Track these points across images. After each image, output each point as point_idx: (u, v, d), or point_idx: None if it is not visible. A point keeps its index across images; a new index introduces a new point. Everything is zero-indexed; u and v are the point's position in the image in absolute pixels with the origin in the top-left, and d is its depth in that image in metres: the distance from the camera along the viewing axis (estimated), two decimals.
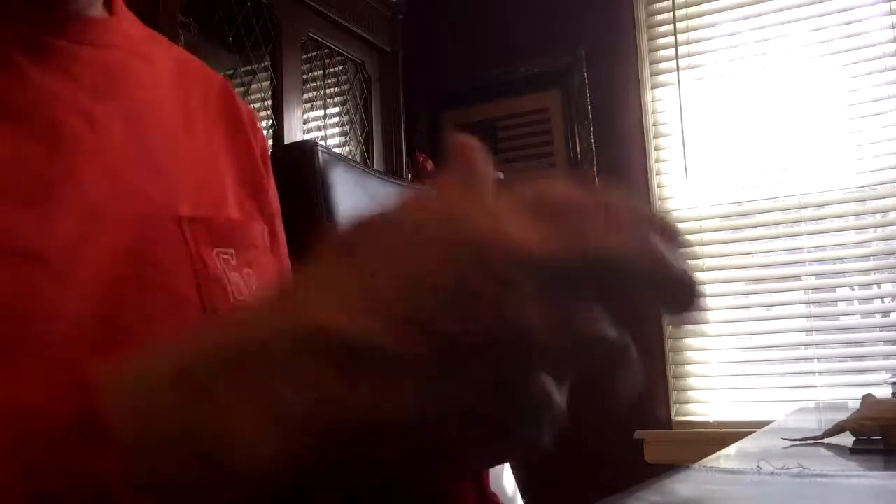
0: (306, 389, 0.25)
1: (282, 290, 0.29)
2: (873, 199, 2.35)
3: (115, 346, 0.27)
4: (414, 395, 0.25)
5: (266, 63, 2.14)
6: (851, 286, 2.41)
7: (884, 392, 1.15)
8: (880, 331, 2.34)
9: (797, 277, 2.43)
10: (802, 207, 2.41)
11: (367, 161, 2.43)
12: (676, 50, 2.55)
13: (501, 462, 0.26)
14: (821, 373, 2.34)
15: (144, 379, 0.27)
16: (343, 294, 0.26)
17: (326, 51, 2.37)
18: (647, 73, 2.62)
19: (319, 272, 0.28)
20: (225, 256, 0.54)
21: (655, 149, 2.59)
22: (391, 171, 2.48)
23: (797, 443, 0.92)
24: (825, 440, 0.91)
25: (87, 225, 0.46)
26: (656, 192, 2.56)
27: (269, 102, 2.14)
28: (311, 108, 2.38)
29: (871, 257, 2.35)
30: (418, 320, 0.25)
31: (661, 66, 2.61)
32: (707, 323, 2.49)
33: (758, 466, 0.72)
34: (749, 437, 1.05)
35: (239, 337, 0.27)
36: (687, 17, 2.58)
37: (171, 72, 0.60)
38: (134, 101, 0.53)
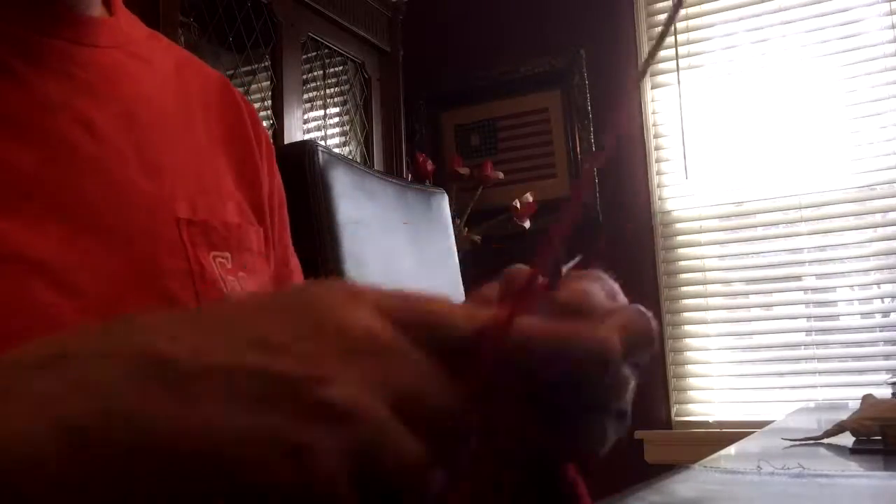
0: (99, 398, 0.23)
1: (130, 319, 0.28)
2: (873, 199, 2.35)
3: None
4: (223, 420, 0.23)
5: (266, 63, 2.14)
6: (851, 286, 2.41)
7: (884, 392, 1.15)
8: (880, 331, 2.34)
9: (797, 277, 2.43)
10: (802, 207, 2.41)
11: (367, 161, 2.43)
12: (676, 50, 2.55)
13: None
14: (821, 373, 2.34)
15: None
16: (187, 323, 0.26)
17: (326, 51, 2.37)
18: (647, 72, 2.61)
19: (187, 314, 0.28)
20: (221, 260, 0.53)
21: (655, 149, 2.59)
22: (391, 171, 2.48)
23: (797, 443, 0.92)
24: (825, 440, 0.91)
25: (82, 229, 0.46)
26: (656, 192, 2.56)
27: (269, 102, 2.14)
28: (311, 108, 2.38)
29: (871, 257, 2.35)
30: (239, 349, 0.24)
31: (661, 66, 2.61)
32: (706, 322, 2.49)
33: (758, 466, 0.72)
34: (749, 437, 1.05)
35: (62, 344, 0.26)
36: (687, 17, 2.58)
37: (170, 72, 0.59)
38: (132, 102, 0.53)
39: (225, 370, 0.24)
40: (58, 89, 0.49)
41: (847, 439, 0.89)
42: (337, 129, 2.50)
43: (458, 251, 1.54)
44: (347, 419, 0.24)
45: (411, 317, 0.27)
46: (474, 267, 2.02)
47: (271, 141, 0.67)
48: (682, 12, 2.58)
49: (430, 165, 2.47)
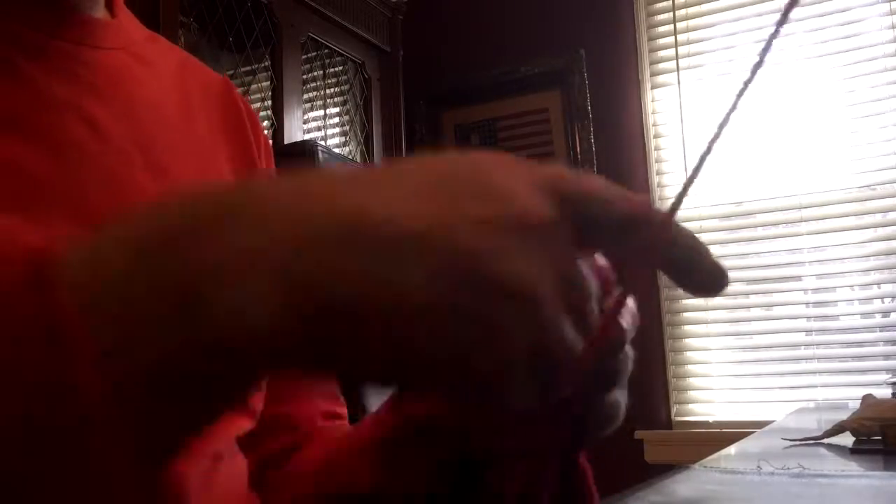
0: (313, 254, 0.24)
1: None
2: (873, 199, 2.35)
3: None
4: (425, 280, 0.24)
5: (266, 63, 2.14)
6: (851, 286, 2.41)
7: (884, 392, 1.15)
8: (880, 331, 2.34)
9: (797, 277, 2.43)
10: (802, 207, 2.41)
11: (367, 161, 2.43)
12: (676, 50, 2.56)
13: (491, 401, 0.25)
14: (821, 373, 2.34)
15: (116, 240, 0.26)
16: (369, 185, 0.26)
17: (326, 51, 2.37)
18: (647, 73, 2.62)
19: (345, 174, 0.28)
20: None
21: (655, 149, 2.59)
22: None
23: (797, 443, 0.92)
24: (825, 440, 0.91)
25: (88, 228, 0.46)
26: (656, 192, 2.56)
27: (269, 102, 2.14)
28: (311, 108, 2.38)
29: (871, 257, 2.35)
30: (446, 214, 0.25)
31: (661, 66, 2.61)
32: (706, 322, 2.49)
33: (758, 466, 0.72)
34: (749, 437, 1.05)
35: (246, 191, 0.26)
36: (687, 17, 2.58)
37: (171, 73, 0.60)
38: (135, 103, 0.53)
39: (419, 238, 0.24)
40: (63, 89, 0.49)
41: (847, 439, 0.89)
42: (337, 129, 2.50)
43: None
44: (529, 301, 0.25)
45: (569, 193, 0.28)
46: None
47: (270, 144, 0.67)
48: (682, 12, 2.59)
49: None
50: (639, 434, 2.43)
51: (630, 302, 0.34)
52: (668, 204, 0.33)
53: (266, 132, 2.27)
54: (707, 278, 0.33)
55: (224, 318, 0.23)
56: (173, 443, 0.25)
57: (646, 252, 0.32)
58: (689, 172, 0.32)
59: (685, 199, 0.32)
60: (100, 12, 0.55)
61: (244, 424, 0.55)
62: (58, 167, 0.46)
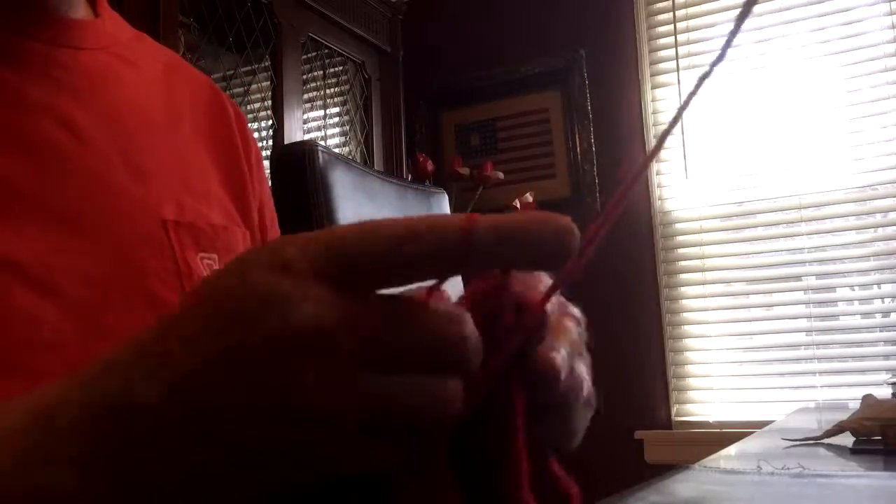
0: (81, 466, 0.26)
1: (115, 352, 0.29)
2: (873, 199, 2.35)
3: (98, 351, 0.27)
4: (172, 458, 0.26)
5: (266, 63, 2.14)
6: (851, 286, 2.41)
7: (884, 392, 1.15)
8: (880, 331, 2.34)
9: (797, 277, 2.43)
10: (802, 207, 2.41)
11: (367, 161, 2.43)
12: (676, 50, 2.56)
13: None
14: (821, 373, 2.34)
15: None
16: (141, 356, 0.27)
17: (326, 51, 2.37)
18: (647, 73, 2.62)
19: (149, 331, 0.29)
20: (208, 261, 0.53)
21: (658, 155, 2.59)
22: (391, 171, 2.48)
23: (797, 443, 0.92)
24: (825, 440, 0.91)
25: (65, 231, 0.45)
26: (656, 192, 2.56)
27: (269, 102, 2.14)
28: (311, 108, 2.38)
29: (871, 257, 2.35)
30: (201, 383, 0.26)
31: (661, 66, 2.61)
32: (706, 323, 2.49)
33: (758, 466, 0.72)
34: (749, 437, 1.05)
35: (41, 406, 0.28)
36: (687, 18, 2.58)
37: (157, 74, 0.59)
38: (117, 105, 0.53)
39: (192, 411, 0.26)
40: (39, 91, 0.48)
41: (847, 439, 0.89)
42: (337, 129, 2.50)
43: None
44: (332, 414, 0.25)
45: (345, 260, 0.26)
46: None
47: (258, 147, 0.66)
48: (682, 12, 2.59)
49: (430, 165, 2.47)
50: (639, 434, 2.43)
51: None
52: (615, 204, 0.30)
53: (266, 132, 2.24)
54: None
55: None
56: None
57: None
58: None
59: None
60: (80, 13, 0.54)
61: None
62: (34, 170, 0.46)
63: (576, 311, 0.37)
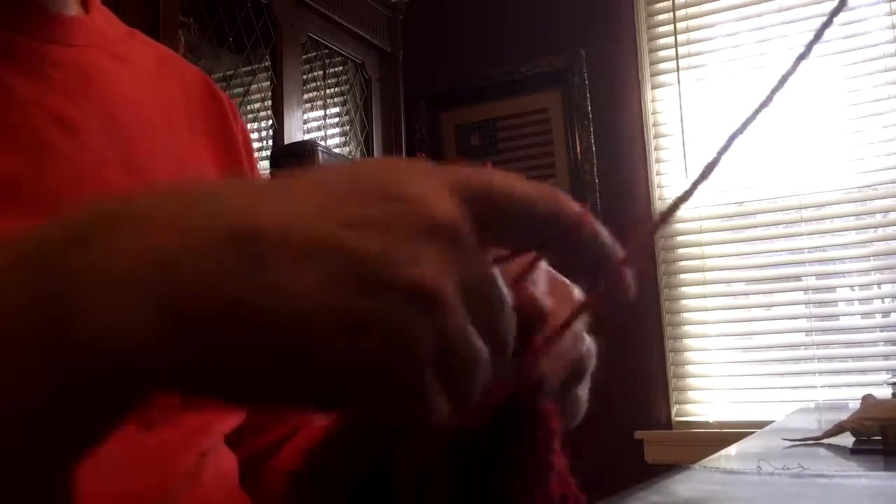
0: (190, 264, 0.23)
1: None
2: (873, 199, 2.35)
3: None
4: (313, 286, 0.23)
5: (266, 63, 2.14)
6: (851, 286, 2.41)
7: (884, 392, 1.15)
8: (880, 331, 2.34)
9: (797, 277, 2.43)
10: (802, 207, 2.41)
11: None
12: (676, 50, 2.55)
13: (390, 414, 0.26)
14: (821, 373, 2.34)
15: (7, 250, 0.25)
16: (262, 195, 0.25)
17: (326, 51, 2.37)
18: (647, 73, 2.62)
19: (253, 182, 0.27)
20: None
21: (655, 149, 2.59)
22: None
23: (797, 443, 0.92)
24: (825, 440, 0.91)
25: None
26: (656, 192, 2.56)
27: (269, 102, 2.14)
28: (311, 108, 2.38)
29: (871, 257, 2.35)
30: (329, 221, 0.24)
31: (661, 66, 2.61)
32: (706, 322, 2.49)
33: (758, 467, 0.72)
34: (749, 437, 1.05)
35: (122, 208, 0.25)
36: (687, 18, 2.58)
37: (149, 69, 0.58)
38: (110, 100, 0.52)
39: (311, 245, 0.24)
40: (31, 88, 0.48)
41: (847, 439, 0.89)
42: (337, 129, 2.50)
43: None
44: (430, 303, 0.24)
45: (482, 195, 0.27)
46: None
47: (250, 138, 0.66)
48: (682, 12, 2.59)
49: None
50: (639, 434, 2.43)
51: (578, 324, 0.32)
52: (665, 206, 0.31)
53: (266, 132, 2.24)
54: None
55: (90, 333, 0.22)
56: (70, 451, 0.24)
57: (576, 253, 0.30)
58: (697, 176, 0.31)
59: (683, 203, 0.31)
60: (72, 9, 0.54)
61: (231, 422, 0.54)
62: (27, 167, 0.45)
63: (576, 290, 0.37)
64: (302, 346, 0.23)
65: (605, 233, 0.31)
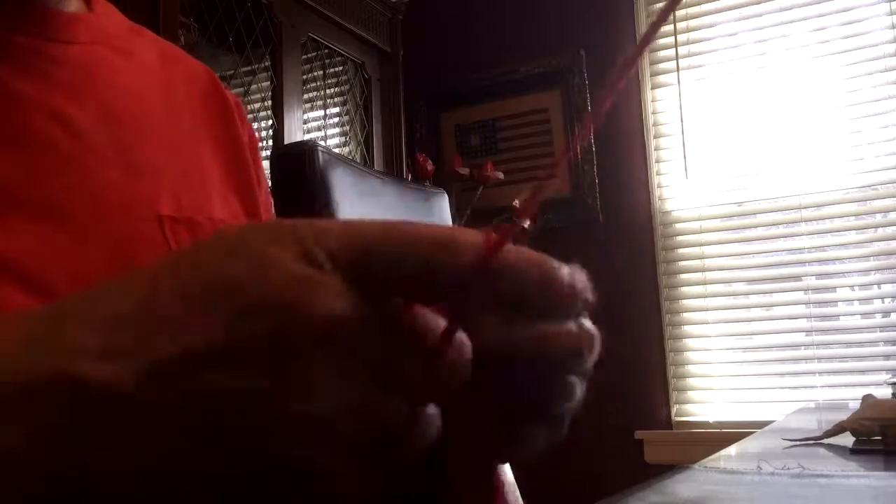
0: (39, 432, 0.23)
1: (55, 309, 0.27)
2: (873, 199, 2.35)
3: None
4: (154, 451, 0.23)
5: (266, 63, 2.14)
6: (851, 286, 2.41)
7: (884, 392, 1.15)
8: (880, 331, 2.34)
9: (797, 277, 2.43)
10: (802, 207, 2.41)
11: (367, 161, 2.43)
12: (676, 50, 2.55)
13: None
14: (821, 373, 2.34)
15: None
16: (109, 325, 0.24)
17: (326, 51, 2.37)
18: (647, 73, 2.62)
19: (108, 289, 0.26)
20: None
21: (655, 149, 2.59)
22: (391, 171, 2.48)
23: (797, 443, 0.92)
24: (825, 440, 0.91)
25: (59, 230, 0.45)
26: (656, 192, 2.56)
27: (269, 102, 2.14)
28: (311, 108, 2.38)
29: (871, 257, 2.35)
30: (175, 369, 0.23)
31: (661, 66, 2.61)
32: (705, 323, 2.49)
33: (758, 467, 0.72)
34: (749, 437, 1.05)
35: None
36: (687, 18, 2.58)
37: (153, 65, 0.58)
38: (112, 98, 0.52)
39: (174, 401, 0.23)
40: (32, 87, 0.47)
41: (847, 439, 0.89)
42: (337, 129, 2.50)
43: None
44: (322, 427, 0.23)
45: (376, 269, 0.25)
46: None
47: (255, 136, 0.65)
48: (682, 12, 2.59)
49: (430, 165, 2.47)
50: (639, 434, 2.43)
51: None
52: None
53: (266, 132, 2.24)
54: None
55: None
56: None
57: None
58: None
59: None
60: (72, 6, 0.53)
61: None
62: (27, 167, 0.45)
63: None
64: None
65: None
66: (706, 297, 2.50)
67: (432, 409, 0.25)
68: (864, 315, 2.40)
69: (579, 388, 0.29)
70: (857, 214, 2.36)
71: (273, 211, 0.66)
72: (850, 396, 1.99)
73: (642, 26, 2.63)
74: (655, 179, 2.57)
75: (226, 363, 0.23)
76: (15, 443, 0.23)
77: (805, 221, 2.41)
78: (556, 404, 0.29)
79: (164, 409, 0.23)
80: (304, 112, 2.24)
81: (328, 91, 2.44)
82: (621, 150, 2.59)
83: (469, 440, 0.29)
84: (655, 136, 2.60)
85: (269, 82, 2.13)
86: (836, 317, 2.41)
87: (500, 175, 2.55)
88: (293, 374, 0.23)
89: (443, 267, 0.25)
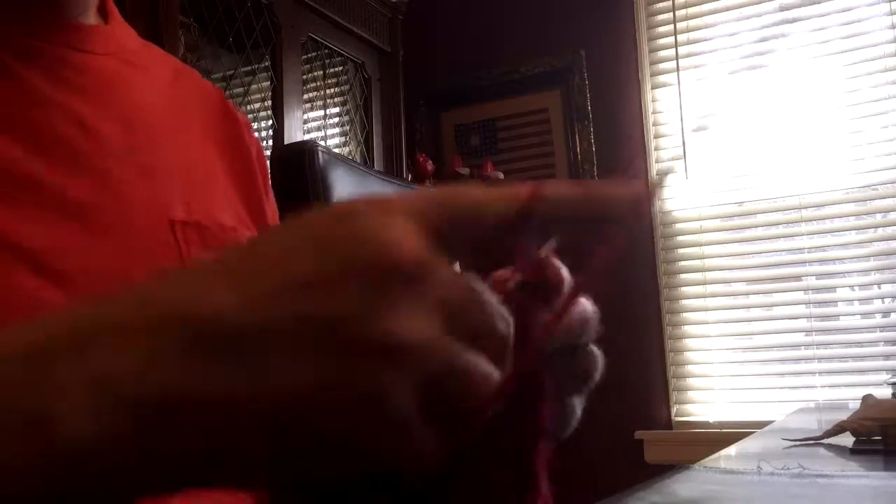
0: (148, 366, 0.23)
1: (159, 276, 0.27)
2: (874, 199, 2.35)
3: None
4: (272, 375, 0.23)
5: (266, 63, 2.14)
6: (851, 286, 2.41)
7: (884, 392, 1.15)
8: (880, 331, 2.34)
9: (797, 277, 2.43)
10: (802, 207, 2.41)
11: (367, 161, 2.43)
12: (676, 50, 2.56)
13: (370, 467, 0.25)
14: (821, 373, 2.34)
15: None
16: (215, 274, 0.26)
17: (326, 51, 2.37)
18: (647, 73, 2.62)
19: (211, 258, 0.27)
20: None
21: (655, 149, 2.59)
22: (391, 171, 2.48)
23: (797, 443, 0.92)
24: (825, 440, 0.91)
25: (73, 226, 0.46)
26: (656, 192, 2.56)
27: (269, 102, 2.14)
28: (311, 108, 2.38)
29: (871, 257, 2.35)
30: (284, 296, 0.24)
31: (661, 66, 2.61)
32: (706, 323, 2.49)
33: (758, 467, 0.72)
34: (749, 437, 1.05)
35: (97, 314, 0.25)
36: (687, 18, 2.58)
37: (166, 79, 0.60)
38: (127, 107, 0.53)
39: (270, 323, 0.24)
40: (52, 89, 0.49)
41: (847, 439, 0.89)
42: (337, 129, 2.50)
43: None
44: (408, 353, 0.24)
45: (445, 221, 0.27)
46: None
47: (264, 156, 0.67)
48: (682, 12, 2.59)
49: (430, 165, 2.47)
50: (639, 434, 2.43)
51: (584, 305, 0.31)
52: None
53: (266, 132, 2.24)
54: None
55: (58, 431, 0.23)
56: None
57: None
58: None
59: None
60: (91, 19, 0.55)
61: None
62: (46, 164, 0.46)
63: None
64: (291, 429, 0.24)
65: (582, 196, 0.30)
66: (706, 297, 2.50)
67: (495, 370, 0.26)
68: (864, 315, 2.41)
69: (600, 357, 0.33)
70: (857, 214, 2.36)
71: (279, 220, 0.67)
72: (850, 396, 1.99)
73: (642, 26, 2.63)
74: (655, 179, 2.57)
75: (321, 290, 0.24)
76: (126, 376, 0.23)
77: (805, 221, 2.41)
78: (589, 375, 0.33)
79: (266, 333, 0.24)
80: (304, 112, 2.24)
81: (328, 91, 2.44)
82: (621, 150, 2.59)
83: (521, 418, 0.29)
84: (655, 137, 2.60)
85: (269, 82, 2.13)
86: (836, 317, 2.41)
87: (500, 175, 2.56)
88: (381, 302, 0.24)
89: (505, 212, 0.28)
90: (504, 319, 0.27)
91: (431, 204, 0.27)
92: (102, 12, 0.57)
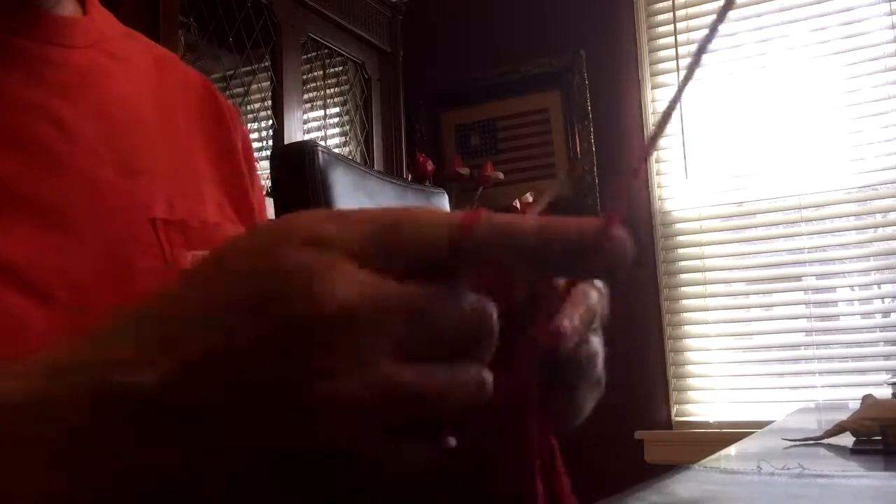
0: (94, 444, 0.25)
1: (95, 331, 0.28)
2: (874, 199, 2.35)
3: None
4: (188, 450, 0.24)
5: (266, 63, 2.14)
6: (851, 286, 2.41)
7: (884, 392, 1.15)
8: (880, 331, 2.34)
9: (797, 277, 2.43)
10: (802, 207, 2.41)
11: (367, 161, 2.43)
12: (676, 50, 2.55)
13: None
14: (821, 373, 2.34)
15: None
16: (141, 338, 0.26)
17: (326, 51, 2.37)
18: (647, 73, 2.62)
19: (141, 306, 0.27)
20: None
21: (655, 149, 2.59)
22: (391, 171, 2.48)
23: (797, 443, 0.92)
24: (825, 440, 0.91)
25: (53, 230, 0.45)
26: (656, 192, 2.56)
27: (269, 102, 2.14)
28: (311, 108, 2.38)
29: (871, 257, 2.35)
30: (202, 365, 0.24)
31: (661, 66, 2.61)
32: (706, 323, 2.49)
33: (758, 467, 0.72)
34: (749, 437, 1.05)
35: (44, 387, 0.26)
36: (687, 18, 2.58)
37: (149, 70, 0.58)
38: (107, 101, 0.52)
39: (202, 398, 0.24)
40: (28, 89, 0.48)
41: (847, 439, 0.89)
42: (337, 129, 2.50)
43: None
44: (357, 408, 0.23)
45: (379, 248, 0.25)
46: None
47: (250, 143, 0.66)
48: (682, 12, 2.59)
49: (430, 165, 2.47)
50: (639, 434, 2.43)
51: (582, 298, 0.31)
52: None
53: (266, 132, 2.24)
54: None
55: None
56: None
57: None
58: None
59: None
60: (68, 10, 0.53)
61: None
62: (23, 169, 0.45)
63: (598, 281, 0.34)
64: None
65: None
66: (706, 297, 2.50)
67: (475, 370, 0.25)
68: (864, 315, 2.40)
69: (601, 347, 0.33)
70: (857, 214, 2.36)
71: (267, 214, 0.67)
72: (850, 396, 1.99)
73: (642, 26, 2.63)
74: (655, 179, 2.57)
75: (239, 361, 0.24)
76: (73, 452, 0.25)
77: (805, 221, 2.41)
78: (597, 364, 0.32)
79: (187, 409, 0.24)
80: (304, 112, 2.24)
81: (328, 91, 2.44)
82: (621, 150, 2.59)
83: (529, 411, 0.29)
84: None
85: (269, 82, 2.13)
86: (836, 317, 2.41)
87: (500, 175, 2.55)
88: (309, 361, 0.23)
89: (442, 232, 0.25)
90: (477, 308, 0.25)
91: (365, 230, 0.25)
92: (81, 2, 0.55)
